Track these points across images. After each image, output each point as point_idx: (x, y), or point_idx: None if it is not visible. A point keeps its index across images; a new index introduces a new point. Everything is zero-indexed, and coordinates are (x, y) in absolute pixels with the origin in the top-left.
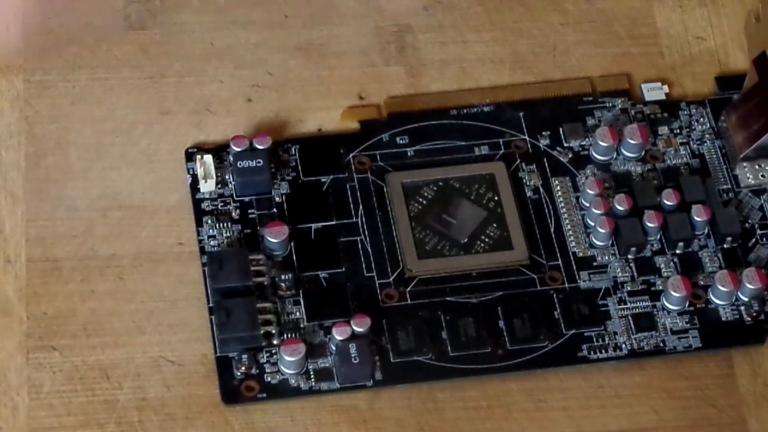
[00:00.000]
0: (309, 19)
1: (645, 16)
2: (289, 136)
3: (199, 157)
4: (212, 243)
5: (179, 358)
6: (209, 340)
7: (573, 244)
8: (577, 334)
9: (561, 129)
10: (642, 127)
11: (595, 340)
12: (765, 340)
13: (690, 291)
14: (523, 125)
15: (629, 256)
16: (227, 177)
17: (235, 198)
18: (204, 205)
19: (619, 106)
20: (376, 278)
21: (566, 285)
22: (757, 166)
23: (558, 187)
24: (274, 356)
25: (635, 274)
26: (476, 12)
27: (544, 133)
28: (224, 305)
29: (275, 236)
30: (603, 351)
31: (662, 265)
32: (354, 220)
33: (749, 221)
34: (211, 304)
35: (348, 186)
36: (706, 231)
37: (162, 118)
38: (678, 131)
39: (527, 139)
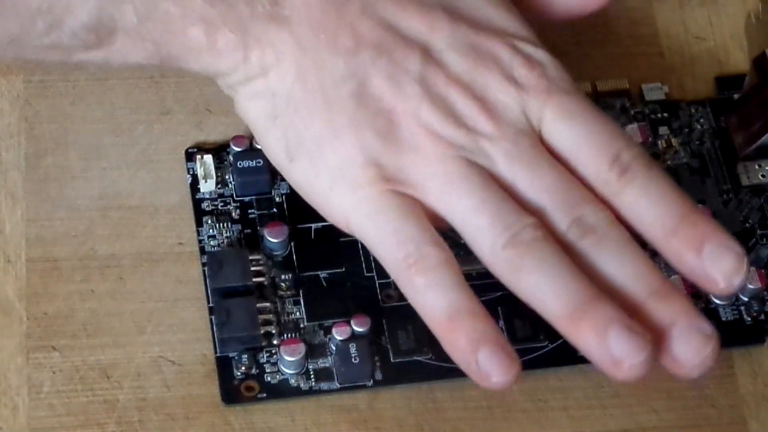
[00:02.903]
0: None
1: (645, 16)
2: None
3: (199, 157)
4: (212, 243)
5: (179, 358)
6: (209, 340)
7: None
8: None
9: None
10: (642, 127)
11: None
12: (765, 340)
13: (690, 291)
14: None
15: None
16: (227, 177)
17: (235, 198)
18: (204, 205)
19: (619, 106)
20: (376, 278)
21: None
22: (757, 166)
23: None
24: (274, 356)
25: None
26: None
27: None
28: (224, 305)
29: (275, 236)
30: None
31: (662, 266)
32: None
33: (749, 221)
34: (211, 304)
35: None
36: None
37: (162, 118)
38: (678, 131)
39: None
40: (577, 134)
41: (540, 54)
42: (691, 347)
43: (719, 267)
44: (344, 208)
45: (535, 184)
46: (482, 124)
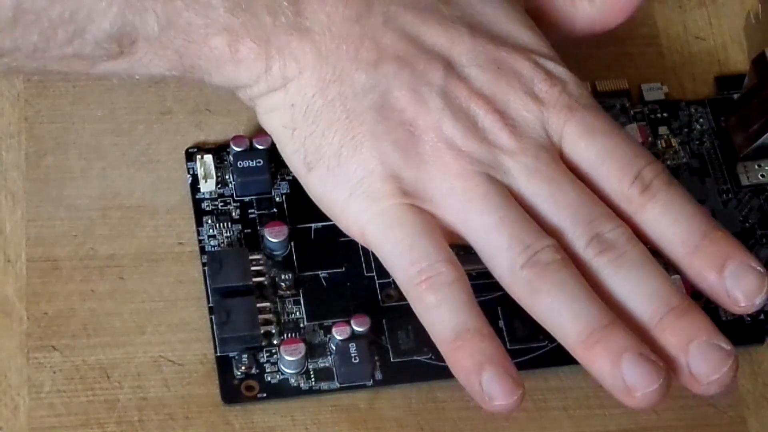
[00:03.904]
0: None
1: (645, 16)
2: None
3: (199, 156)
4: (212, 243)
5: (179, 358)
6: (209, 339)
7: None
8: None
9: None
10: (642, 127)
11: None
12: (765, 340)
13: (690, 291)
14: None
15: None
16: (227, 177)
17: (235, 198)
18: (204, 205)
19: (619, 106)
20: (376, 278)
21: None
22: (757, 166)
23: None
24: (274, 356)
25: None
26: None
27: None
28: (224, 305)
29: (275, 236)
30: None
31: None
32: None
33: (749, 221)
34: (211, 304)
35: None
36: None
37: (162, 118)
38: (678, 131)
39: None
40: (598, 151)
41: (561, 70)
42: (708, 363)
43: (741, 286)
44: (360, 219)
45: (554, 199)
46: (503, 139)
